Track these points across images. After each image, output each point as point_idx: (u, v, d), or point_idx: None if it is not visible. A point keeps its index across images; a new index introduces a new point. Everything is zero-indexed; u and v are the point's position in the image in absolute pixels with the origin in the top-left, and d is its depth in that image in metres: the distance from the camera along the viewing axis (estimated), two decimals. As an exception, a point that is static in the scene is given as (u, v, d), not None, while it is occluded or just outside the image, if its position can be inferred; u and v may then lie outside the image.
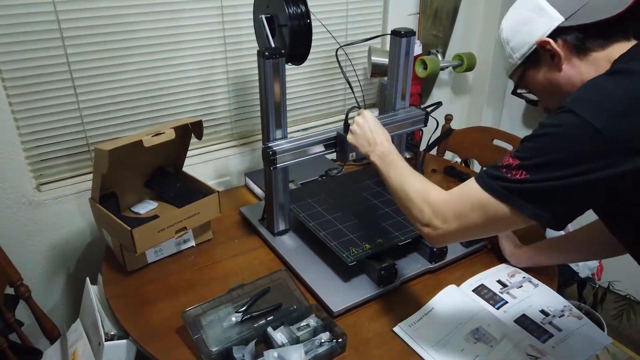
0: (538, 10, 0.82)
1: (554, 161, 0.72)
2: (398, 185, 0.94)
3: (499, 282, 1.16)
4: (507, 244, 1.22)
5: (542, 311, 1.08)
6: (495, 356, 0.96)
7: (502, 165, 0.77)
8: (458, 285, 1.15)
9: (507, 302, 1.10)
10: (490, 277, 1.18)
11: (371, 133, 1.05)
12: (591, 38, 0.80)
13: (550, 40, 0.81)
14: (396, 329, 1.03)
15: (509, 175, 0.76)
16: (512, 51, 0.87)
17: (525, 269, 1.20)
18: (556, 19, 0.80)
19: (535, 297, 1.12)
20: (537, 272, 1.19)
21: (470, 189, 0.81)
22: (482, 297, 1.12)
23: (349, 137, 1.09)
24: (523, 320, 1.06)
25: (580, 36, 0.80)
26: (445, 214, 0.84)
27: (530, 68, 0.87)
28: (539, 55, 0.84)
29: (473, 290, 1.14)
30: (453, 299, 1.11)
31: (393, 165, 0.98)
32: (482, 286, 1.15)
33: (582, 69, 0.81)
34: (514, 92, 0.94)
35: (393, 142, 1.42)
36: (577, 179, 0.71)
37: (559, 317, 1.07)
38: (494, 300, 1.11)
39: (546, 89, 0.88)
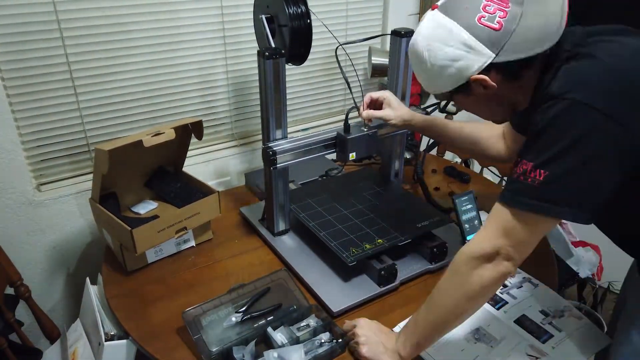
0: (466, 47, 0.81)
1: (565, 148, 0.72)
2: (444, 310, 0.87)
3: (499, 282, 1.16)
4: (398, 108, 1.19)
5: (542, 311, 1.08)
6: (495, 356, 0.97)
7: (517, 175, 0.77)
8: (458, 285, 1.15)
9: (507, 303, 1.10)
10: (490, 277, 1.18)
11: (380, 334, 0.97)
12: (523, 68, 0.81)
13: (486, 78, 0.82)
14: (396, 329, 1.03)
15: (529, 180, 0.75)
16: (443, 84, 0.87)
17: (525, 269, 1.19)
18: (488, 56, 0.80)
19: (535, 298, 1.12)
20: (537, 272, 1.19)
21: (503, 214, 0.81)
22: (482, 297, 1.12)
23: (365, 352, 0.93)
24: (523, 321, 1.06)
25: (513, 68, 0.81)
26: (490, 244, 0.82)
27: (460, 94, 0.88)
28: (470, 86, 0.84)
29: (473, 291, 1.14)
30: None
31: (421, 323, 0.90)
32: (482, 286, 1.15)
33: (517, 88, 0.84)
34: (442, 110, 0.97)
35: (393, 143, 1.43)
36: (593, 161, 0.72)
37: (559, 318, 1.07)
38: (494, 300, 1.11)
39: (480, 109, 0.92)
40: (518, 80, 0.83)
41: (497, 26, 0.79)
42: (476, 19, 0.80)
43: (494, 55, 0.80)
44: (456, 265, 0.86)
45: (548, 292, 1.13)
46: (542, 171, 0.74)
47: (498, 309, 1.09)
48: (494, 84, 0.82)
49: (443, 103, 1.00)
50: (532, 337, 1.02)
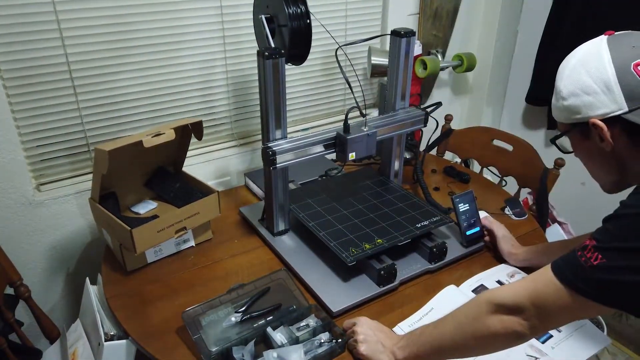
0: (604, 86, 0.74)
1: (634, 249, 0.67)
2: (449, 335, 0.84)
3: (499, 282, 1.16)
4: (505, 245, 1.22)
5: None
6: (494, 356, 0.96)
7: (579, 248, 0.73)
8: (458, 285, 1.15)
9: (506, 303, 1.10)
10: (489, 277, 1.18)
11: (379, 333, 0.96)
12: None
13: (604, 128, 0.75)
14: (396, 329, 1.03)
15: (583, 258, 0.71)
16: (565, 110, 0.81)
17: (525, 269, 1.19)
18: (619, 107, 0.74)
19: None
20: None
21: (544, 277, 0.76)
22: (482, 297, 1.12)
23: (363, 350, 0.92)
24: (522, 321, 1.06)
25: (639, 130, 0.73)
26: (523, 301, 0.77)
27: (577, 134, 0.82)
28: (589, 129, 0.78)
29: (473, 291, 1.14)
30: (453, 299, 1.11)
31: (425, 337, 0.88)
32: (482, 287, 1.15)
33: (636, 154, 0.76)
34: (552, 141, 0.88)
35: (393, 143, 1.43)
36: None
37: (559, 318, 1.07)
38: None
39: (590, 161, 0.84)
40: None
41: None
42: (632, 64, 0.72)
43: (626, 109, 0.73)
44: (478, 300, 0.84)
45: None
46: (600, 256, 0.69)
47: (498, 309, 1.09)
48: (611, 140, 0.75)
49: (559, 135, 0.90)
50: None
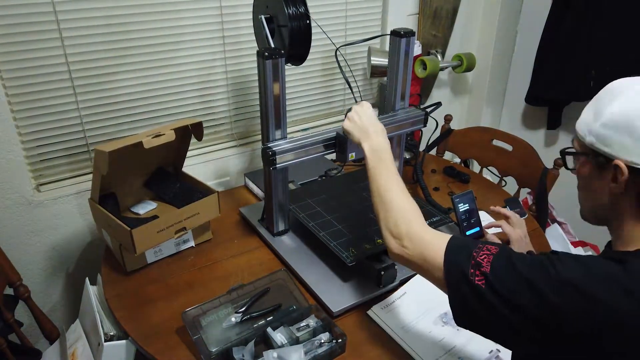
0: None
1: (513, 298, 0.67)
2: (382, 187, 0.94)
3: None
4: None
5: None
6: (460, 337, 0.99)
7: (476, 256, 0.73)
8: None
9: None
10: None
11: (368, 121, 1.03)
12: None
13: (625, 173, 0.70)
14: (369, 312, 1.04)
15: (472, 270, 0.72)
16: (595, 135, 0.74)
17: None
18: None
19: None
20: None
21: (437, 247, 0.80)
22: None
23: (345, 123, 1.07)
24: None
25: None
26: (414, 246, 0.85)
27: (592, 163, 0.77)
28: (608, 166, 0.73)
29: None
30: (425, 283, 1.10)
31: (383, 163, 0.98)
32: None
33: (636, 212, 0.73)
34: (562, 153, 0.83)
35: (392, 143, 1.43)
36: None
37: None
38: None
39: (588, 191, 0.80)
40: None
41: None
42: None
43: None
44: (410, 216, 0.89)
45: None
46: (484, 282, 0.71)
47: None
48: (624, 187, 0.71)
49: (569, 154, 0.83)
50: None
